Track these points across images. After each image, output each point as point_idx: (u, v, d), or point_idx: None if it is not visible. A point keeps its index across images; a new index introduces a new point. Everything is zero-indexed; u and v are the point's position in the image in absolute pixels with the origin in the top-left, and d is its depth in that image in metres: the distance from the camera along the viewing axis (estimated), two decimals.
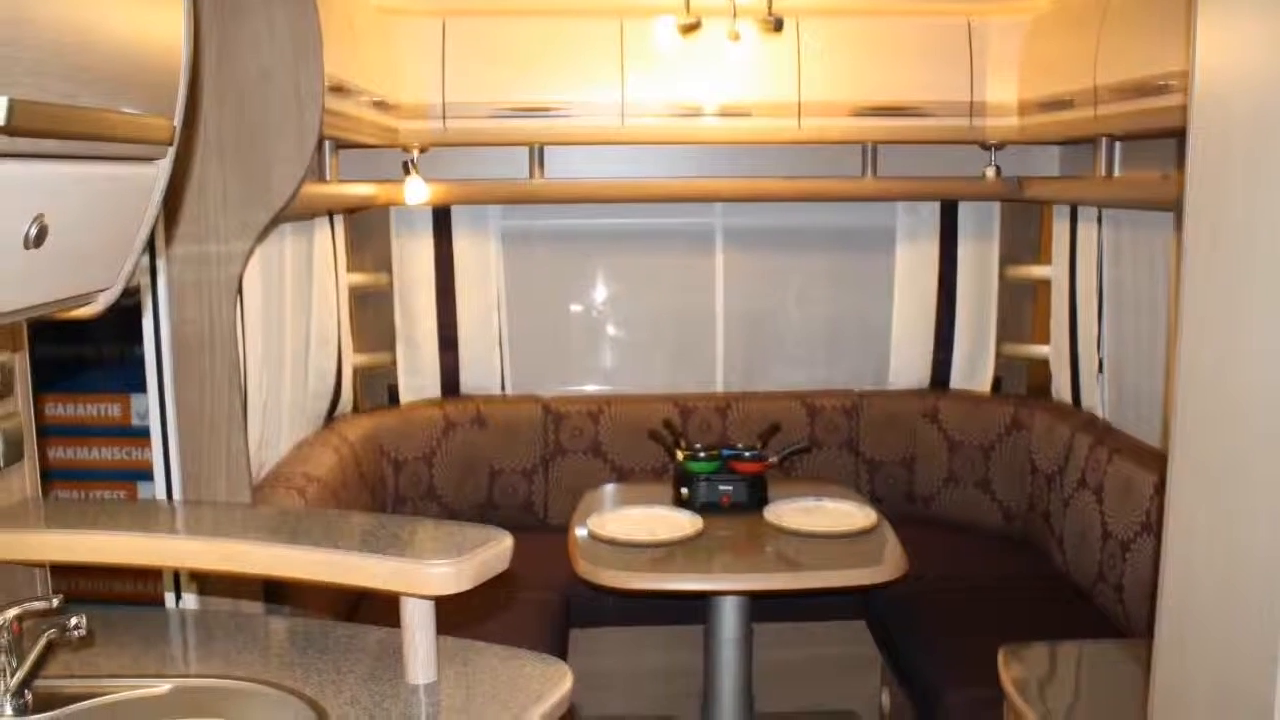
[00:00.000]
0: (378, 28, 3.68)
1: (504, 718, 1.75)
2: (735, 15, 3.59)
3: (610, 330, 4.62)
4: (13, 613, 1.72)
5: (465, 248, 4.41)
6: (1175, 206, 2.90)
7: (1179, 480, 1.47)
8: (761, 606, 3.61)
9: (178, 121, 1.59)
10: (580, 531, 3.49)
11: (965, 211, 4.45)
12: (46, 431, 2.84)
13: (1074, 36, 3.51)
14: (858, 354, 4.61)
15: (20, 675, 1.72)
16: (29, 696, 1.74)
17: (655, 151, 4.34)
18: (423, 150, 4.03)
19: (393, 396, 4.39)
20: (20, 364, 2.11)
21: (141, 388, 2.78)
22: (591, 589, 3.32)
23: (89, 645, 2.01)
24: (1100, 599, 3.46)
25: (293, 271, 3.44)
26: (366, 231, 4.27)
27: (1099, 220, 3.82)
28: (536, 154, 4.20)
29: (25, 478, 2.13)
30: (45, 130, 1.25)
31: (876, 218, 4.50)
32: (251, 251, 2.73)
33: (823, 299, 4.59)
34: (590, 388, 4.59)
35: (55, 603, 1.73)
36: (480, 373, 4.49)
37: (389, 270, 4.34)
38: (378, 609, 2.35)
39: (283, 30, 2.63)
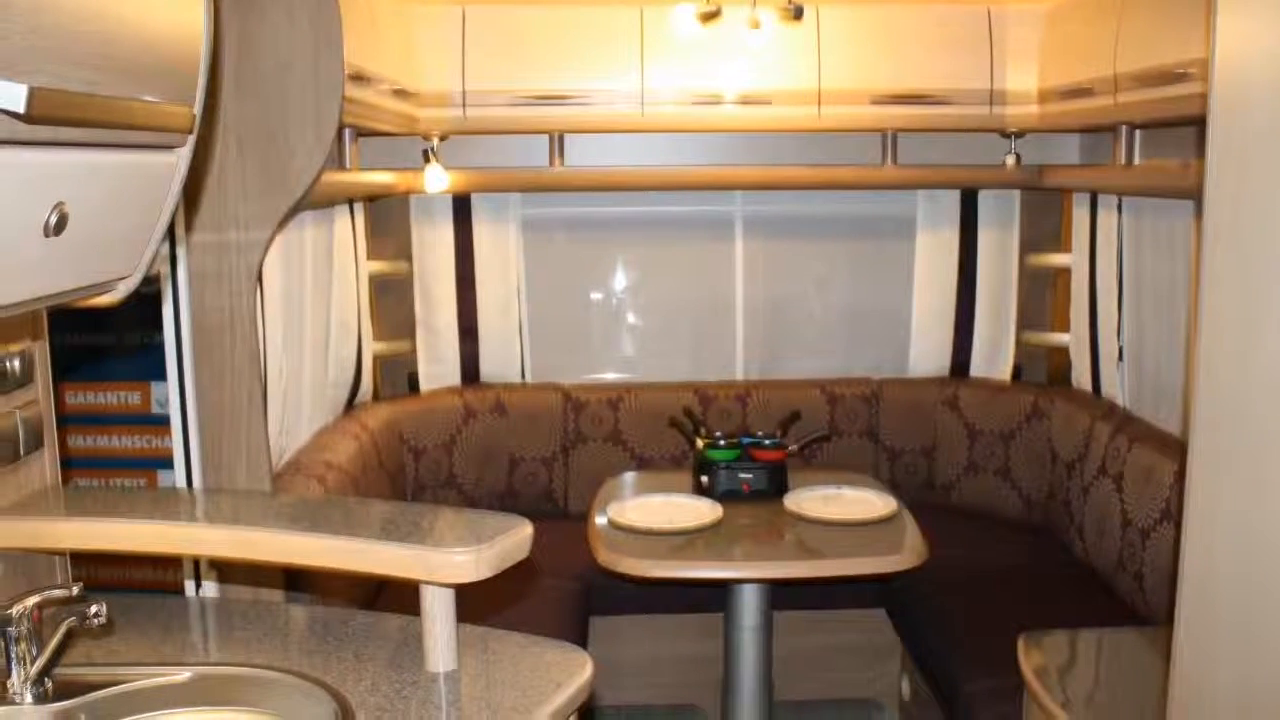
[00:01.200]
0: (398, 16, 3.68)
1: (524, 706, 1.76)
2: (755, 3, 3.58)
3: (630, 318, 4.62)
4: (33, 600, 1.72)
5: (485, 236, 4.41)
6: (1195, 194, 2.88)
7: (1199, 468, 1.46)
8: (781, 594, 3.61)
9: (198, 110, 1.59)
10: (600, 519, 3.50)
11: (985, 199, 4.43)
12: (67, 420, 2.85)
13: (1094, 24, 3.49)
14: (878, 342, 4.60)
15: (40, 663, 1.72)
16: (49, 684, 1.74)
17: (675, 140, 4.32)
18: (443, 138, 4.04)
19: (413, 384, 4.40)
20: (40, 352, 2.12)
21: (162, 376, 2.79)
22: (611, 577, 3.32)
23: (109, 633, 2.02)
24: (1120, 587, 3.44)
25: (313, 259, 3.45)
26: (387, 219, 4.28)
27: (1119, 208, 3.80)
28: (556, 142, 4.20)
29: (45, 466, 2.14)
30: (66, 118, 1.25)
31: (896, 206, 4.49)
32: (272, 239, 2.74)
33: (843, 287, 4.59)
34: (610, 376, 4.59)
35: (75, 591, 1.73)
36: (500, 361, 4.49)
37: (409, 258, 4.34)
38: (398, 597, 2.35)
39: (303, 18, 2.63)
